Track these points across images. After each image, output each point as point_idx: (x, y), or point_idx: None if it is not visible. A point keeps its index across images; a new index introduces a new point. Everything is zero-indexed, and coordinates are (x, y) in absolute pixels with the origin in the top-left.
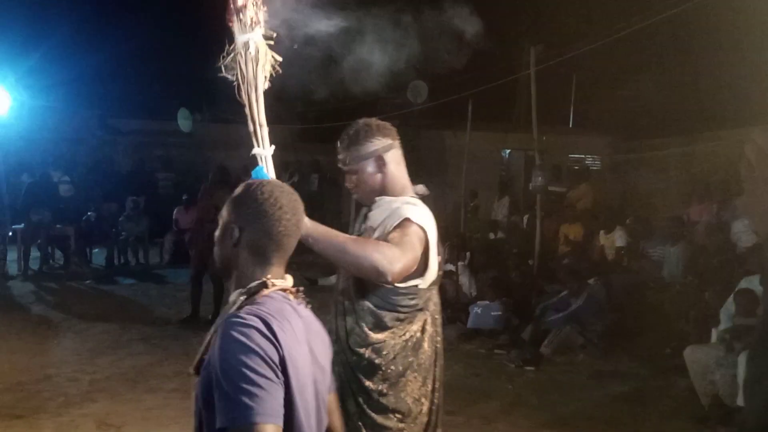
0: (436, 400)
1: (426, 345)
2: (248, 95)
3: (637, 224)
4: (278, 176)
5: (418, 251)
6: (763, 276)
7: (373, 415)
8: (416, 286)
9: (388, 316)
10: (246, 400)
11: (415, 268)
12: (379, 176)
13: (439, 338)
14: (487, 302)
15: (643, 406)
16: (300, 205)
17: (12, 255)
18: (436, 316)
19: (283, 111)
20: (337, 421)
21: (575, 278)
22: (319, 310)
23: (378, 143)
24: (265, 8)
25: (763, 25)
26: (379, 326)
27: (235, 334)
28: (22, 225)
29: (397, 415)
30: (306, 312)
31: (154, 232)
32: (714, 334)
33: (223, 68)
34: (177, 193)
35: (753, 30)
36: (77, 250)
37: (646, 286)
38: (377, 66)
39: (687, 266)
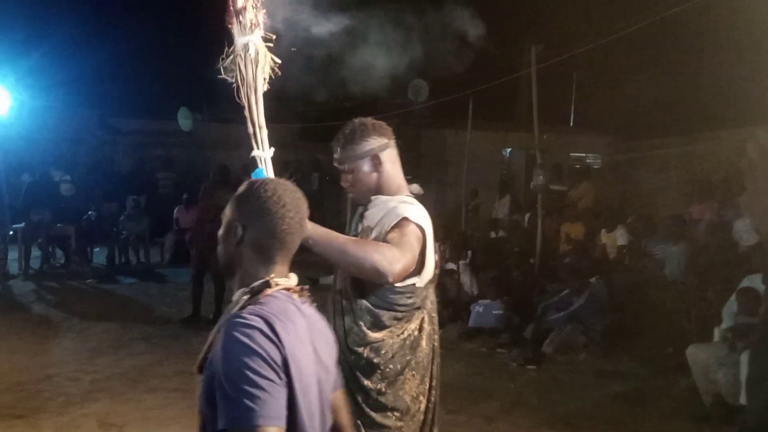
0: (433, 398)
1: (424, 343)
2: (248, 97)
3: (638, 223)
4: (278, 176)
5: (417, 250)
6: (766, 275)
7: (371, 413)
8: (413, 284)
9: (386, 315)
10: (248, 402)
11: (414, 267)
12: (374, 175)
13: (436, 336)
14: (489, 301)
15: (644, 406)
16: (303, 203)
17: (12, 254)
18: (433, 315)
19: (283, 110)
20: (345, 419)
21: (577, 277)
22: (319, 310)
23: (374, 142)
24: (265, 10)
25: (763, 24)
26: (378, 325)
27: (237, 335)
28: (22, 224)
29: (396, 414)
30: (310, 311)
31: (154, 231)
32: (716, 333)
33: (222, 70)
34: (177, 193)
35: (754, 29)
36: (78, 249)
37: (648, 285)
38: (377, 66)
39: (689, 265)
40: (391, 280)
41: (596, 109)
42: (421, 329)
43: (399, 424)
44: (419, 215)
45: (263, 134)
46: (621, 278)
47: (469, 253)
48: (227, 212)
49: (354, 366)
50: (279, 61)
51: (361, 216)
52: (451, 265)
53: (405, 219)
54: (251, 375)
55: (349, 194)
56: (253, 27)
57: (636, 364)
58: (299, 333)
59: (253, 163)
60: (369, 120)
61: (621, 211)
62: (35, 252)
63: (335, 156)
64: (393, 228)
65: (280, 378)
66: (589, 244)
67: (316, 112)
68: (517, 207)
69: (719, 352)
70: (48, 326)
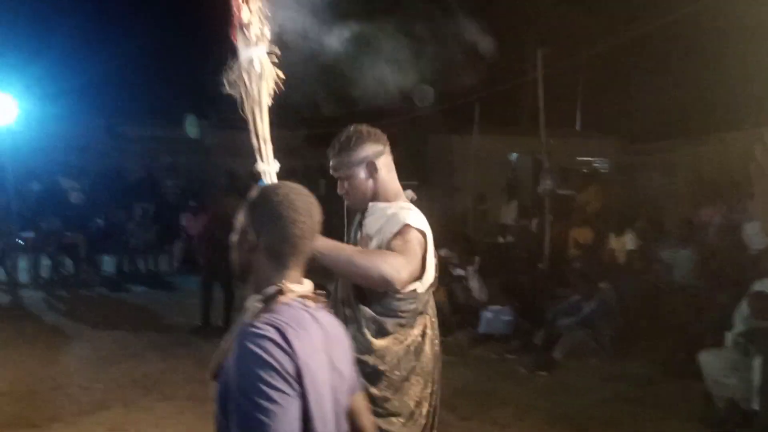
0: (434, 402)
1: (427, 348)
2: (252, 111)
3: (647, 227)
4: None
5: (420, 256)
6: None
7: (376, 420)
8: (415, 290)
9: (389, 323)
10: (261, 416)
11: (419, 273)
12: (370, 182)
13: (437, 341)
14: (498, 307)
15: (657, 411)
16: (316, 208)
17: (22, 263)
18: (434, 319)
19: (290, 116)
20: (366, 421)
21: (586, 282)
22: None
23: (369, 149)
24: (269, 26)
25: None
26: (382, 333)
27: (250, 345)
28: (31, 233)
29: (400, 419)
30: (325, 317)
31: (163, 238)
32: (728, 338)
33: (227, 85)
34: (185, 200)
35: (761, 31)
36: (87, 257)
37: (658, 290)
38: (384, 75)
39: (698, 269)
40: (398, 287)
41: (603, 113)
42: (424, 335)
43: (403, 429)
44: (420, 221)
45: (268, 148)
46: (630, 283)
47: (477, 258)
48: (240, 218)
49: (359, 374)
50: (283, 76)
51: (360, 224)
52: (459, 271)
53: (407, 226)
54: (264, 387)
55: (345, 201)
56: (258, 41)
57: (647, 369)
58: (313, 341)
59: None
60: (364, 127)
61: (629, 216)
62: (45, 261)
63: (331, 163)
64: (396, 235)
65: (293, 389)
66: (597, 249)
67: (323, 118)
68: (524, 212)
69: (732, 357)
70: (59, 335)
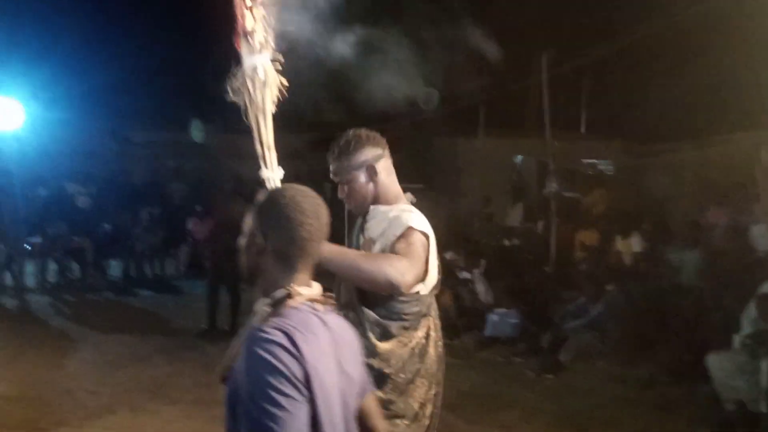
0: (438, 403)
1: (431, 350)
2: (256, 118)
3: (653, 229)
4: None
5: (424, 258)
6: None
7: None
8: (418, 292)
9: (394, 326)
10: (269, 422)
11: (423, 275)
12: (371, 186)
13: (440, 342)
14: (505, 310)
15: (665, 413)
16: (324, 210)
17: (29, 268)
18: (437, 321)
19: (294, 120)
20: (379, 422)
21: (593, 284)
22: None
23: (368, 153)
24: (273, 33)
25: None
26: (386, 336)
27: (259, 351)
28: (38, 238)
29: (405, 421)
30: (334, 320)
31: (169, 243)
32: (736, 340)
33: (230, 92)
34: (191, 204)
35: (766, 31)
36: (94, 262)
37: (665, 292)
38: (389, 78)
39: (705, 271)
40: (404, 290)
41: (608, 115)
42: (428, 337)
43: (407, 431)
44: (422, 223)
45: (272, 155)
46: (637, 285)
47: (483, 261)
48: (248, 221)
49: None
50: (287, 83)
51: (361, 228)
52: (465, 274)
53: (410, 228)
54: (273, 393)
55: (346, 206)
56: (261, 48)
57: (655, 371)
58: (321, 345)
59: None
60: (363, 131)
61: (635, 218)
62: (51, 265)
63: (330, 168)
64: (399, 238)
65: (302, 394)
66: (603, 251)
67: (328, 122)
68: (530, 214)
69: (740, 360)
70: (66, 340)
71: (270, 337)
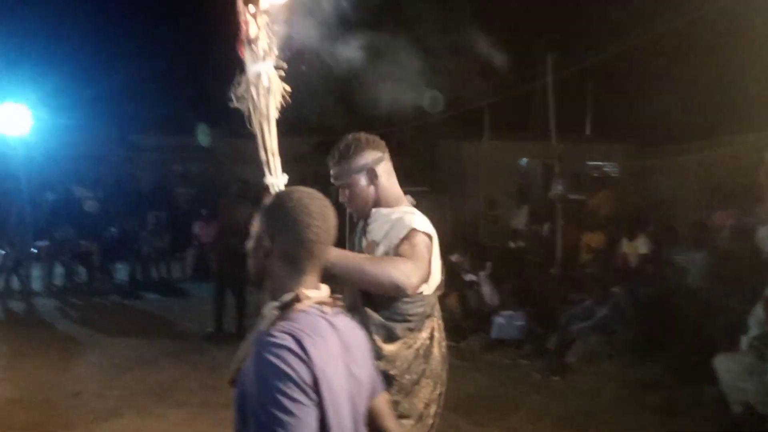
0: (441, 403)
1: (435, 351)
2: (260, 125)
3: (660, 231)
4: None
5: (428, 259)
6: None
7: None
8: (422, 293)
9: (399, 327)
10: (278, 429)
11: (428, 276)
12: (371, 189)
13: (444, 343)
14: (511, 312)
15: (673, 415)
16: (331, 212)
17: (36, 272)
18: (440, 322)
19: (299, 123)
20: (390, 422)
21: (599, 286)
22: None
23: (368, 156)
24: (277, 41)
25: None
26: (391, 338)
27: (268, 356)
28: (46, 242)
29: (410, 421)
30: (342, 322)
31: (175, 246)
32: (743, 342)
33: (234, 99)
34: (197, 208)
35: None
36: (101, 265)
37: (672, 294)
38: (394, 83)
39: (712, 273)
40: (410, 293)
41: (612, 117)
42: (432, 337)
43: (412, 430)
44: (425, 224)
45: (276, 161)
46: (644, 287)
47: (489, 264)
48: (255, 224)
49: None
50: (290, 89)
51: (363, 231)
52: (471, 277)
53: (413, 230)
54: (281, 398)
55: (347, 209)
56: (265, 56)
57: (662, 373)
58: (329, 348)
59: None
60: (362, 135)
61: (641, 220)
62: (58, 269)
63: (331, 172)
64: (403, 240)
65: (310, 399)
66: (610, 253)
67: (333, 125)
68: (535, 217)
69: (747, 361)
70: (73, 343)
71: (278, 341)
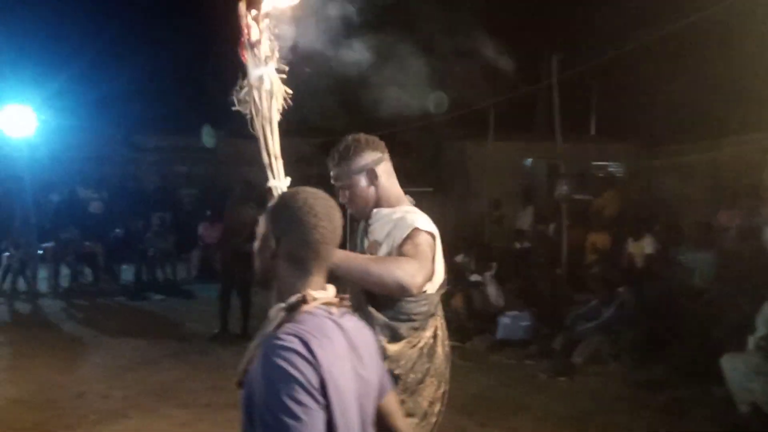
0: (444, 401)
1: (439, 349)
2: (262, 128)
3: (666, 231)
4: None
5: (431, 259)
6: None
7: None
8: (425, 292)
9: (403, 327)
10: None
11: (432, 275)
12: (372, 189)
13: (447, 342)
14: (516, 313)
15: (679, 416)
16: (337, 212)
17: (42, 273)
18: (443, 320)
19: (303, 125)
20: (400, 422)
21: (605, 287)
22: None
23: (368, 157)
24: (279, 44)
25: None
26: (395, 338)
27: (275, 359)
28: (51, 243)
29: (415, 420)
30: (350, 323)
31: (180, 247)
32: (750, 342)
33: (236, 102)
34: (201, 209)
35: None
36: (106, 266)
37: (678, 294)
38: (399, 83)
39: (719, 273)
40: (414, 292)
41: (617, 117)
42: (435, 336)
43: (417, 429)
44: (427, 222)
45: (279, 164)
46: (650, 287)
47: (494, 264)
48: (261, 225)
49: None
50: (292, 92)
51: (365, 231)
52: (476, 277)
53: (416, 229)
54: (289, 402)
55: (348, 210)
56: (267, 59)
57: (668, 373)
58: (337, 350)
59: None
60: (362, 135)
61: (647, 220)
62: (64, 270)
63: (331, 173)
64: (405, 240)
65: (317, 401)
66: (615, 254)
67: (337, 126)
68: (540, 217)
69: (754, 361)
70: (78, 343)
71: (285, 344)
